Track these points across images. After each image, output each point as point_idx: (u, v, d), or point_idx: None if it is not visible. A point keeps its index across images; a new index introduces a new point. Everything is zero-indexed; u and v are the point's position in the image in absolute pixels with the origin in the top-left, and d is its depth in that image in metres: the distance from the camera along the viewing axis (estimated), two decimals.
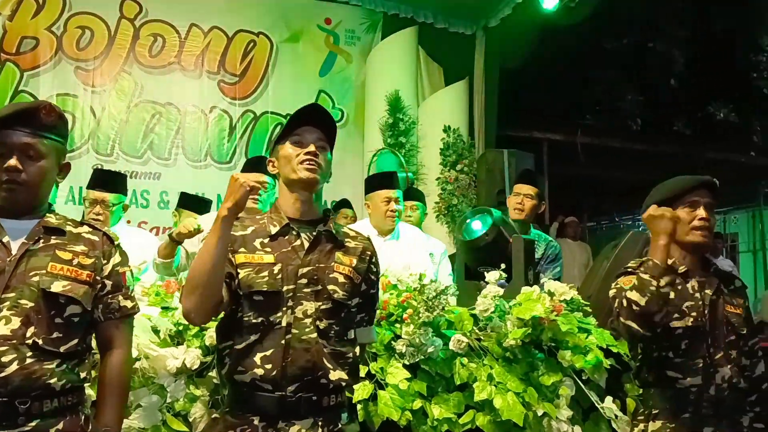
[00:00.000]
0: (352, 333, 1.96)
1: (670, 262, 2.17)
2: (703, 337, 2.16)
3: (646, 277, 2.06)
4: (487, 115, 6.81)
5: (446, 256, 3.83)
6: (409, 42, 6.41)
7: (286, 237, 1.94)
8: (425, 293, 2.55)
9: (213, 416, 2.12)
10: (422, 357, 2.49)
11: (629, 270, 2.22)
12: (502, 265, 2.76)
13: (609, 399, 2.52)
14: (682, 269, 2.22)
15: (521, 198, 3.70)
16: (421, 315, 2.52)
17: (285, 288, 1.86)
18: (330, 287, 1.89)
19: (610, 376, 2.62)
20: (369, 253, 2.04)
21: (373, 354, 2.49)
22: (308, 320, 1.85)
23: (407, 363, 2.48)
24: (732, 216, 15.86)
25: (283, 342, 1.82)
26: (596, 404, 2.53)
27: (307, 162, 1.94)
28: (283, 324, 1.83)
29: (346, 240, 2.01)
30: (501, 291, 2.66)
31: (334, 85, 6.44)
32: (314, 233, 1.95)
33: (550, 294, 2.71)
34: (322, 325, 1.86)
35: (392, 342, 2.50)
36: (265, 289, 1.85)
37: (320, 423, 1.84)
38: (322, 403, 1.85)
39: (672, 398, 2.16)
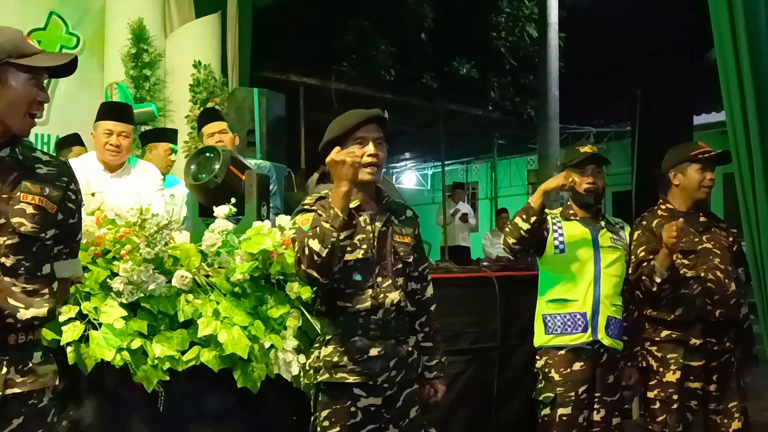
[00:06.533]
0: (49, 267, 1.81)
1: None
2: (372, 266, 2.27)
3: (327, 226, 2.07)
4: (240, 53, 6.60)
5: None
6: None
7: None
8: (146, 228, 2.42)
9: None
10: (142, 295, 2.38)
11: (306, 207, 2.26)
12: (233, 200, 2.70)
13: None
14: (354, 204, 2.22)
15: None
16: (141, 251, 2.39)
17: None
18: (15, 220, 1.72)
19: None
20: (65, 179, 1.86)
21: (86, 293, 2.32)
22: None
23: (125, 302, 2.35)
24: (474, 166, 17.48)
25: None
26: (320, 332, 2.61)
27: None
28: None
29: (37, 166, 1.81)
30: (229, 226, 2.62)
31: (68, 7, 5.78)
32: None
33: (281, 228, 2.72)
34: (8, 262, 1.70)
35: (108, 280, 2.35)
36: None
37: (5, 362, 1.70)
38: (8, 341, 1.71)
39: (342, 324, 2.26)
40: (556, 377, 2.92)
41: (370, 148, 2.24)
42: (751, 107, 2.60)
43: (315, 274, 2.12)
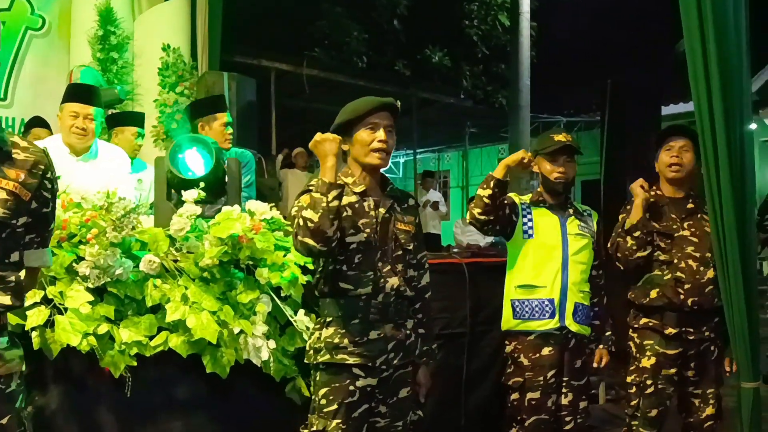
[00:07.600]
0: (17, 255, 1.78)
1: (350, 181, 2.31)
2: (374, 251, 2.32)
3: (317, 195, 2.17)
4: (211, 36, 6.49)
5: None
6: None
7: None
8: (113, 212, 2.38)
9: None
10: (109, 279, 2.35)
11: (309, 188, 2.29)
12: (201, 184, 2.67)
13: (302, 312, 2.61)
14: (360, 189, 2.34)
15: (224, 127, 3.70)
16: (108, 235, 2.35)
17: None
18: None
19: (308, 291, 2.71)
20: (42, 167, 1.83)
21: (52, 277, 2.28)
22: None
23: (92, 286, 2.32)
24: (446, 155, 17.54)
25: None
26: (290, 318, 2.61)
27: None
28: None
29: (14, 151, 1.79)
30: (198, 210, 2.59)
31: None
32: None
33: (251, 213, 2.71)
34: None
35: (74, 264, 2.31)
36: None
37: None
38: None
39: (343, 306, 2.31)
40: (525, 362, 2.96)
41: (381, 134, 2.30)
42: (717, 98, 2.64)
43: (310, 241, 2.16)
